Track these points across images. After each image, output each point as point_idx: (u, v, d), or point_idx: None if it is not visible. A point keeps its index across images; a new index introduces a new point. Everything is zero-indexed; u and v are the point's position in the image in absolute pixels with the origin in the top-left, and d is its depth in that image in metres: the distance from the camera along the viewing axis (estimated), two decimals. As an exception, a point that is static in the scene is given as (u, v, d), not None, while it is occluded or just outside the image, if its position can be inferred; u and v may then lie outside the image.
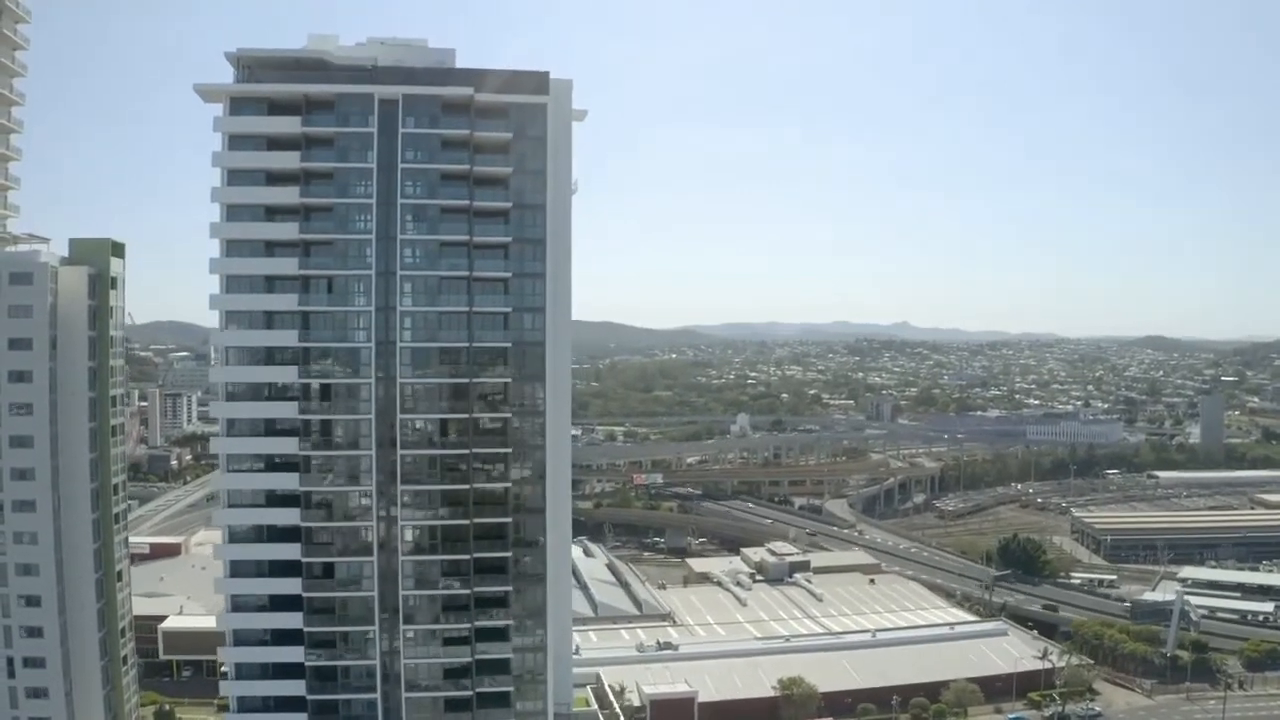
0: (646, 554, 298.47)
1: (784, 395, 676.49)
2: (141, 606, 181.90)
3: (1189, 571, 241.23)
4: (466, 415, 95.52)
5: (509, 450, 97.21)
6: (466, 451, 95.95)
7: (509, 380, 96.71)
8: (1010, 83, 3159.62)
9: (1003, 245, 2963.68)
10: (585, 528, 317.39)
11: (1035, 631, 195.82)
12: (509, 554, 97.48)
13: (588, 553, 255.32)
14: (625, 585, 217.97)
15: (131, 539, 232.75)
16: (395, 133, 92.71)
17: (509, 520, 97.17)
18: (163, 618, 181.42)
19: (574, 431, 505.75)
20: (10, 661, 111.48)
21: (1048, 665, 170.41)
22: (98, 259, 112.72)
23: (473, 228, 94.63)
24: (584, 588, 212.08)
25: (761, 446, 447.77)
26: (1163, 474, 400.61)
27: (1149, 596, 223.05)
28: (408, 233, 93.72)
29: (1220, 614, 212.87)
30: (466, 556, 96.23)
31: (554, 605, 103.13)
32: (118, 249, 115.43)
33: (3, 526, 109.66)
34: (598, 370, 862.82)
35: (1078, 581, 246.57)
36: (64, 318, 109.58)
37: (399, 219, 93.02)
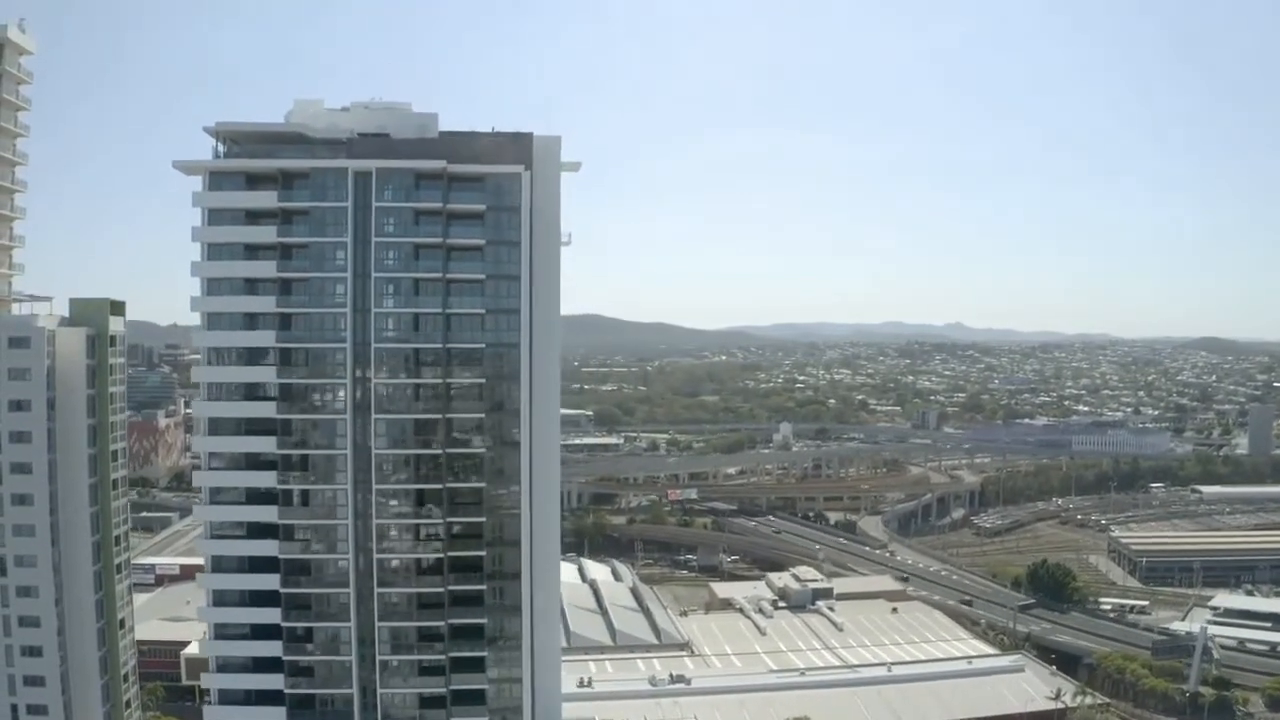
0: (678, 573, 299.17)
1: (831, 401, 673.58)
2: (165, 631, 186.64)
3: (1221, 599, 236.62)
4: (440, 485, 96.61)
5: (484, 519, 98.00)
6: (442, 521, 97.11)
7: (484, 450, 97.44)
8: (1062, 81, 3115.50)
9: (1057, 245, 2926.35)
10: (618, 544, 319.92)
11: (1054, 666, 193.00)
12: (484, 620, 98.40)
13: (615, 574, 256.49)
14: (646, 612, 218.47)
15: (161, 560, 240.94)
16: (370, 206, 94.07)
17: (484, 587, 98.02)
18: (186, 643, 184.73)
19: (616, 440, 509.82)
20: (15, 709, 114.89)
21: (1061, 705, 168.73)
22: (96, 319, 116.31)
23: (447, 300, 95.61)
24: (604, 613, 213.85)
25: (800, 459, 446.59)
26: (1206, 489, 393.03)
27: (1177, 626, 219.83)
28: (384, 305, 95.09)
29: (1250, 645, 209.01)
30: (441, 623, 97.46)
31: (538, 664, 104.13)
32: (117, 308, 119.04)
33: (4, 580, 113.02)
34: (645, 374, 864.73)
35: (1107, 608, 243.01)
36: (62, 378, 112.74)
37: (373, 291, 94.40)
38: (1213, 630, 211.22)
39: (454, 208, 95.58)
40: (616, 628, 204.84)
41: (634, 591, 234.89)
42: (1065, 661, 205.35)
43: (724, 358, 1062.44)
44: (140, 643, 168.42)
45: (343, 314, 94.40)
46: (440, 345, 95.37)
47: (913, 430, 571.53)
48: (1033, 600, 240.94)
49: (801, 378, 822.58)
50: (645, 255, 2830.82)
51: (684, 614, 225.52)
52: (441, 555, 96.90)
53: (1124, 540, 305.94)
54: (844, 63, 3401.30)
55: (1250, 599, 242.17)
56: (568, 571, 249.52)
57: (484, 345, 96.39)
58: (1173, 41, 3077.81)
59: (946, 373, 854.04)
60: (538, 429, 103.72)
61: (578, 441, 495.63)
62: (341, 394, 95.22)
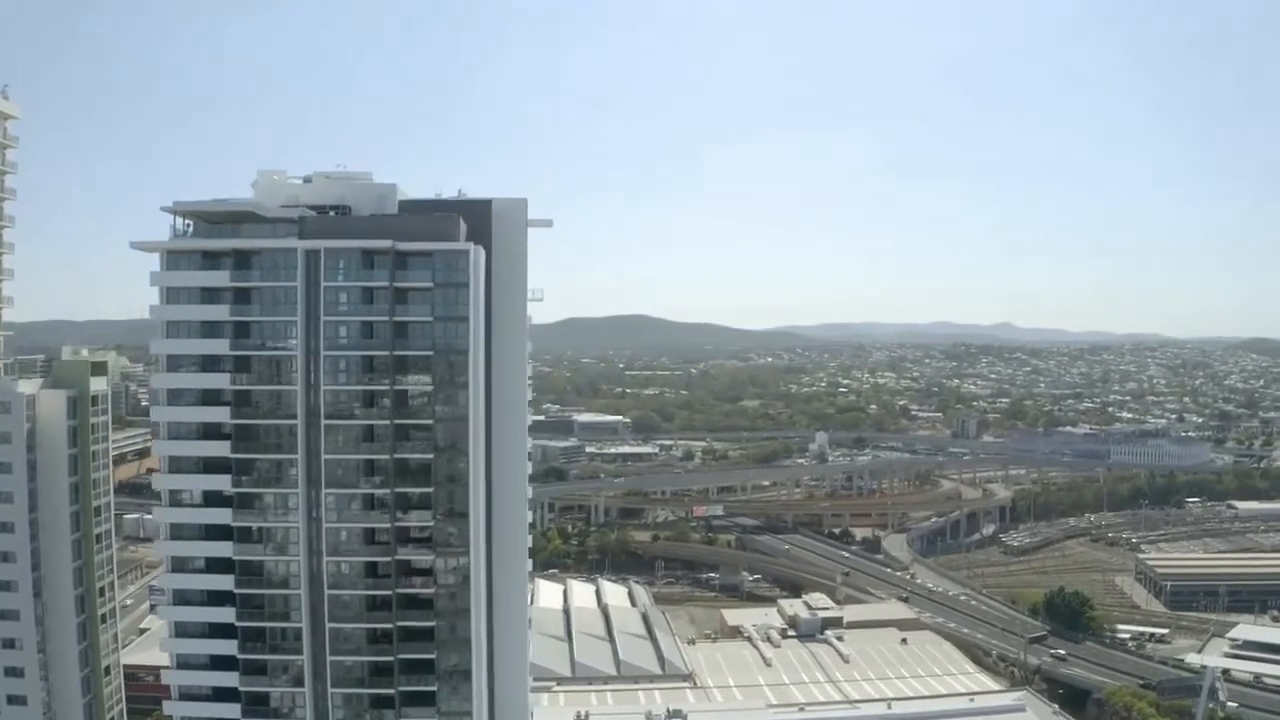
0: (698, 592, 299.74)
1: (872, 407, 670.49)
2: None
3: (1240, 630, 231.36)
4: (389, 558, 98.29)
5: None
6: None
7: (433, 523, 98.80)
8: (1111, 82, 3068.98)
9: (1109, 244, 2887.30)
10: (641, 562, 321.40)
11: (1061, 702, 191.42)
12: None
13: (631, 597, 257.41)
14: (654, 640, 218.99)
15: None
16: (319, 284, 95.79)
17: (433, 656, 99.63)
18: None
19: (651, 450, 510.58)
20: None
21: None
22: (78, 380, 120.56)
23: (397, 376, 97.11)
24: (611, 641, 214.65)
25: (830, 473, 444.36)
26: (1241, 504, 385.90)
27: (1192, 658, 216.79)
28: (336, 382, 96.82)
29: (1266, 681, 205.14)
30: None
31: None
32: (98, 368, 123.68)
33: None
34: (689, 377, 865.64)
35: (1125, 636, 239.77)
36: (44, 439, 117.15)
37: (322, 368, 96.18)
38: (1229, 664, 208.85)
39: (401, 285, 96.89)
40: (621, 657, 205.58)
41: (644, 617, 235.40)
42: (1075, 696, 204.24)
43: (769, 359, 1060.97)
44: (149, 667, 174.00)
45: (293, 390, 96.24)
46: (388, 421, 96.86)
47: (951, 439, 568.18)
48: (1047, 629, 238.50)
49: (845, 381, 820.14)
50: (693, 255, 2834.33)
51: (691, 642, 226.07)
52: (390, 658, 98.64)
53: (1150, 562, 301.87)
54: (887, 62, 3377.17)
55: (1272, 630, 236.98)
56: (584, 594, 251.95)
57: (432, 420, 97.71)
58: (1219, 40, 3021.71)
59: (992, 376, 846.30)
60: (499, 499, 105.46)
61: (612, 450, 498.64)
62: (294, 470, 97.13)
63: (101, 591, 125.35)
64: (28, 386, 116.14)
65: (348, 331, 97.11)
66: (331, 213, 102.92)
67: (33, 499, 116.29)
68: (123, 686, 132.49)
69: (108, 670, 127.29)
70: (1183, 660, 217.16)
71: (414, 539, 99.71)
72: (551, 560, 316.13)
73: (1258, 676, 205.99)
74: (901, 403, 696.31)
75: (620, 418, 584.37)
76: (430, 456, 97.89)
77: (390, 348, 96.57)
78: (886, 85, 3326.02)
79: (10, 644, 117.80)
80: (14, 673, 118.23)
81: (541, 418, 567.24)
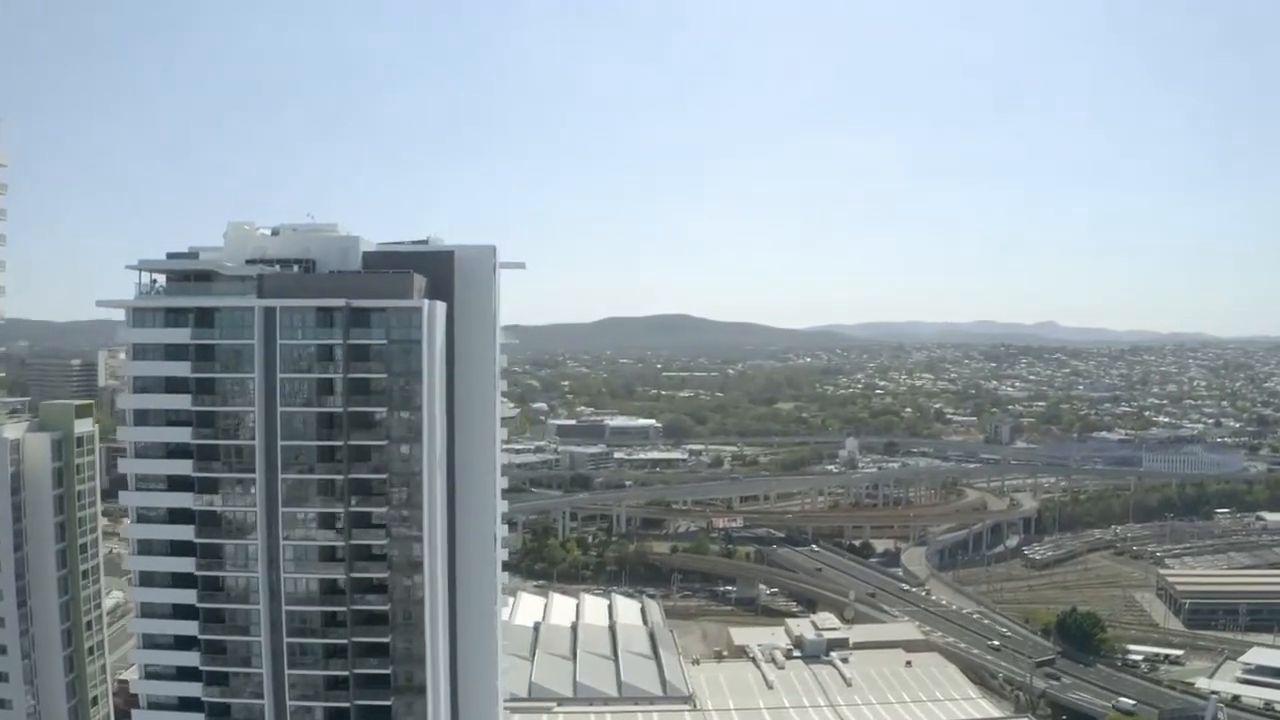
0: (714, 605, 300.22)
1: (907, 410, 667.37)
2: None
3: (1254, 654, 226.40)
4: (345, 607, 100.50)
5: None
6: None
7: (389, 579, 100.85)
8: (1151, 74, 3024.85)
9: (1151, 242, 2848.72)
10: (659, 573, 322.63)
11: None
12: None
13: (644, 613, 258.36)
14: (658, 659, 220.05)
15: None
16: (276, 341, 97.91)
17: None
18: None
19: (680, 455, 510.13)
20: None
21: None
22: (63, 423, 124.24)
23: (350, 433, 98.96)
24: (616, 660, 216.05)
25: (855, 484, 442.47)
26: (1270, 516, 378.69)
27: (1202, 683, 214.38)
28: (294, 438, 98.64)
29: (1278, 708, 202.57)
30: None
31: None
32: (83, 410, 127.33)
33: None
34: (725, 378, 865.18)
35: (1138, 658, 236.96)
36: (30, 480, 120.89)
37: (279, 424, 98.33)
38: (1240, 689, 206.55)
39: (357, 342, 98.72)
40: (624, 678, 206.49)
41: (651, 636, 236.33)
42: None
43: (807, 359, 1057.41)
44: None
45: (250, 445, 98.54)
46: (343, 476, 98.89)
47: (984, 444, 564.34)
48: (1057, 651, 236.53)
49: (882, 383, 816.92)
50: (734, 254, 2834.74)
51: (696, 662, 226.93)
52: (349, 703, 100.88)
53: (1170, 578, 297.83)
54: (923, 61, 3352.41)
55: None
56: (596, 609, 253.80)
57: (385, 476, 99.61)
58: (1260, 33, 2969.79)
59: (1031, 377, 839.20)
60: (463, 545, 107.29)
61: (641, 456, 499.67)
62: (251, 518, 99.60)
63: (89, 625, 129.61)
64: (12, 431, 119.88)
65: (304, 388, 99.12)
66: (296, 266, 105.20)
67: (18, 538, 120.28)
68: (111, 715, 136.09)
69: (95, 700, 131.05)
70: (1192, 684, 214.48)
71: (373, 589, 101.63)
72: (570, 572, 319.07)
73: (1268, 704, 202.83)
74: (937, 405, 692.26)
75: (652, 422, 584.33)
76: (384, 509, 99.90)
77: (345, 404, 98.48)
78: (926, 84, 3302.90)
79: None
80: (2, 705, 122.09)
81: (573, 422, 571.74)
